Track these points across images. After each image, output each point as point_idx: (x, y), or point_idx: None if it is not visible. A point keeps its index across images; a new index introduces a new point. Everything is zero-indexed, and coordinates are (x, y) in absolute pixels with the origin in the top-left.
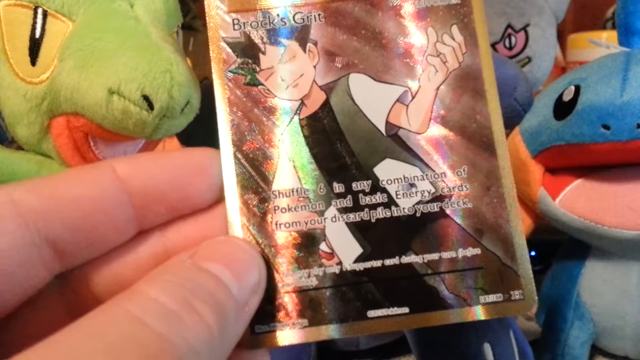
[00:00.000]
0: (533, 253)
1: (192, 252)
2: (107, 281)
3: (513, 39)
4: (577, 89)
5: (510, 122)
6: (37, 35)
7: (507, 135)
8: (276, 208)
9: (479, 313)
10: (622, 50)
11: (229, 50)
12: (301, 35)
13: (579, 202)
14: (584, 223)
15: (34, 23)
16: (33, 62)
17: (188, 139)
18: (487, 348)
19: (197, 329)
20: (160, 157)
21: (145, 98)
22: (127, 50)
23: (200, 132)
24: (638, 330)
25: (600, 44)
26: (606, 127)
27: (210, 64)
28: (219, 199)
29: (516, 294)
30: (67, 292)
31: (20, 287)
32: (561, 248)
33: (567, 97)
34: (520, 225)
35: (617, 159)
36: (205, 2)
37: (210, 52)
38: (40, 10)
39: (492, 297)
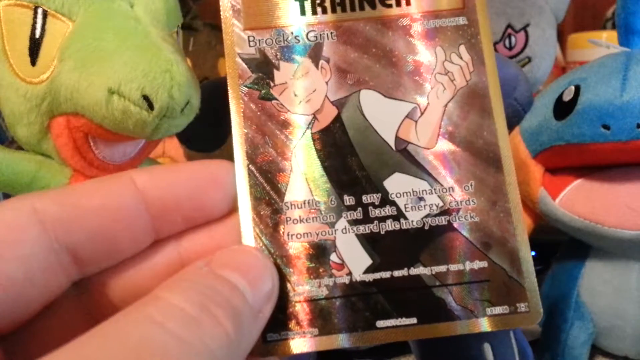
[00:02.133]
0: (533, 253)
1: (207, 260)
2: (123, 288)
3: (513, 39)
4: (577, 89)
5: (510, 122)
6: (37, 35)
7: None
8: (288, 219)
9: (484, 325)
10: (622, 50)
11: (244, 65)
12: (314, 53)
13: (579, 202)
14: (584, 223)
15: (34, 23)
16: (33, 62)
17: (188, 139)
18: (487, 348)
19: (216, 334)
20: (178, 168)
21: (145, 98)
22: (127, 50)
23: (200, 132)
24: (638, 330)
25: (600, 44)
26: (606, 127)
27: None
28: (233, 210)
29: (522, 307)
30: (85, 298)
31: (40, 293)
32: (561, 248)
33: (567, 97)
34: (526, 240)
35: (617, 159)
36: (222, 20)
37: (227, 67)
38: (40, 10)
39: (498, 309)
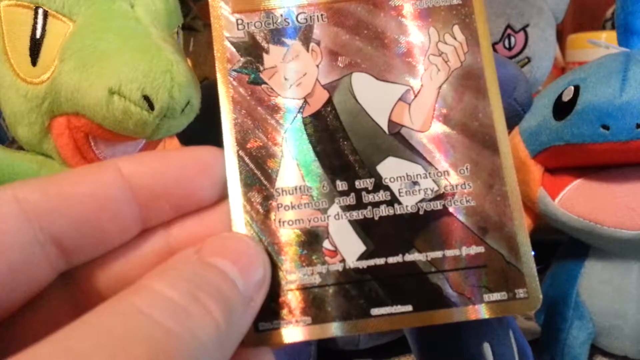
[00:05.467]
0: (533, 253)
1: (197, 248)
2: (112, 279)
3: (512, 39)
4: (577, 89)
5: (510, 122)
6: (38, 35)
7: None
8: (279, 206)
9: (483, 311)
10: (622, 50)
11: (233, 49)
12: (304, 35)
13: (579, 202)
14: (583, 223)
15: (35, 23)
16: (34, 62)
17: (188, 139)
18: (487, 348)
19: (205, 323)
20: (165, 155)
21: (146, 98)
22: (128, 50)
23: (200, 132)
24: (637, 330)
25: (599, 44)
26: (605, 127)
27: (214, 63)
28: (223, 197)
29: (520, 293)
30: (73, 289)
31: (25, 285)
32: (561, 248)
33: (566, 97)
34: (524, 223)
35: (616, 159)
36: (210, 3)
37: (215, 51)
38: (40, 11)
39: (496, 296)
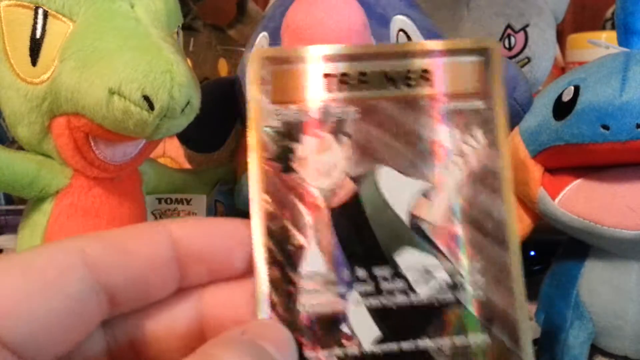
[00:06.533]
0: (533, 253)
1: (243, 329)
2: (146, 332)
3: (512, 39)
4: (577, 89)
5: (510, 122)
6: (38, 35)
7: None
8: (302, 290)
9: None
10: (622, 50)
11: (267, 138)
12: (337, 129)
13: (579, 202)
14: (583, 223)
15: (35, 23)
16: (34, 62)
17: (188, 139)
18: None
19: None
20: (211, 222)
21: (146, 98)
22: (128, 50)
23: (200, 132)
24: (637, 330)
25: (599, 44)
26: (605, 127)
27: (247, 150)
28: (250, 271)
29: None
30: (109, 337)
31: (77, 330)
32: (561, 248)
33: (566, 97)
34: (526, 314)
35: (616, 159)
36: (249, 91)
37: (249, 138)
38: (40, 11)
39: None
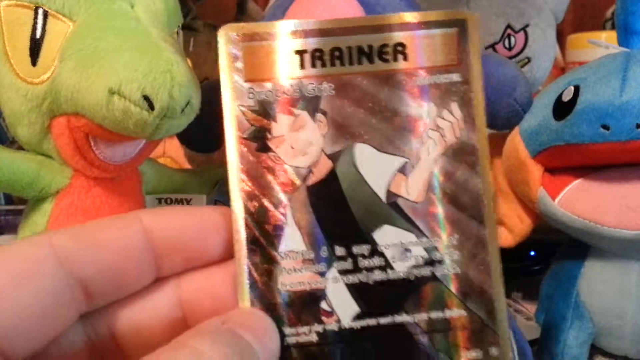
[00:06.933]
0: (533, 253)
1: (224, 319)
2: (125, 323)
3: (512, 39)
4: (577, 89)
5: (510, 122)
6: (38, 35)
7: (506, 135)
8: (282, 269)
9: None
10: (622, 50)
11: (243, 117)
12: (312, 106)
13: (579, 202)
14: (583, 223)
15: (35, 23)
16: (34, 62)
17: (188, 139)
18: None
19: None
20: (183, 211)
21: (146, 98)
22: (128, 50)
23: (200, 132)
24: (637, 330)
25: (599, 44)
26: (605, 127)
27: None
28: (229, 255)
29: (494, 351)
30: (89, 330)
31: (52, 324)
32: (561, 248)
33: (566, 97)
34: (502, 291)
35: (616, 159)
36: (221, 69)
37: (224, 118)
38: (40, 11)
39: (472, 354)
